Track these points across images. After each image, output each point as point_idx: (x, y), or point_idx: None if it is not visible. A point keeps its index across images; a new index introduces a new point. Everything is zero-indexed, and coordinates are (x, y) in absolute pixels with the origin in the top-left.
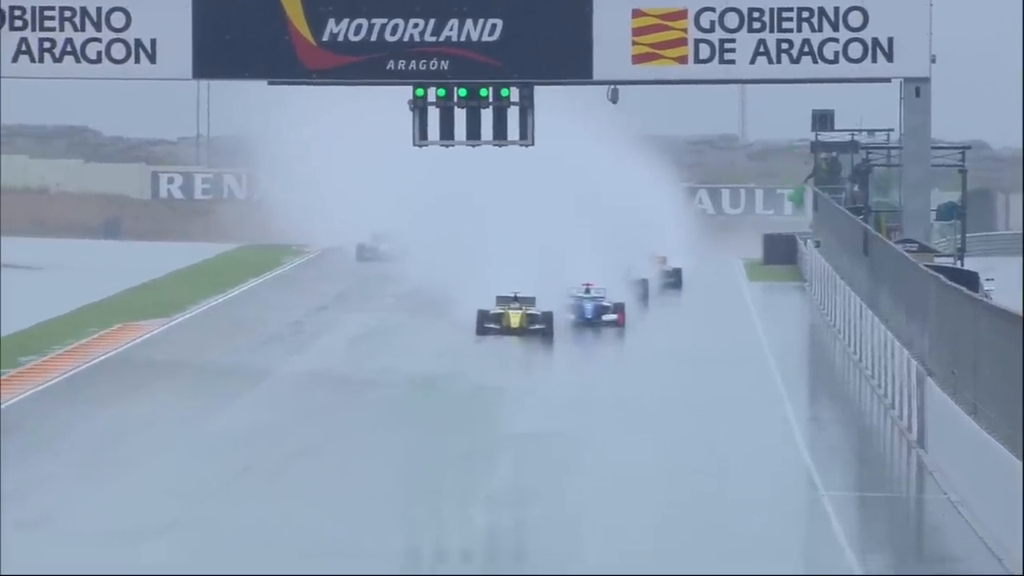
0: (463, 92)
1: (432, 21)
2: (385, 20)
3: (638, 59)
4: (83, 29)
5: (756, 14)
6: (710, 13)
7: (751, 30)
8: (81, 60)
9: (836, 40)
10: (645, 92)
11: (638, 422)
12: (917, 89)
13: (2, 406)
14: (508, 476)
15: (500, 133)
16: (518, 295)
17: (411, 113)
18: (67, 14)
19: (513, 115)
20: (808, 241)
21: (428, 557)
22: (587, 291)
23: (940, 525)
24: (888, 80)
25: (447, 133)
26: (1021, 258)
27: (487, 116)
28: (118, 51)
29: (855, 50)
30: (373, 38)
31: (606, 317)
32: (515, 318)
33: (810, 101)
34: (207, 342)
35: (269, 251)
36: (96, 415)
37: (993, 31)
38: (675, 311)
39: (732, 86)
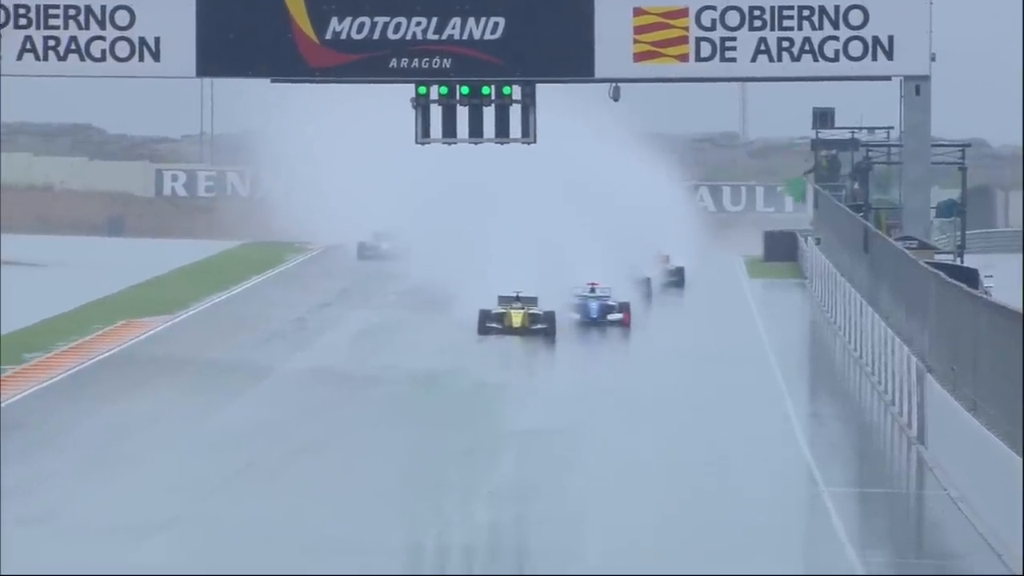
0: (465, 90)
1: (434, 19)
2: (388, 18)
3: (639, 57)
4: (87, 27)
5: (757, 12)
6: (711, 11)
7: (752, 28)
8: (85, 58)
9: (836, 38)
10: (646, 90)
11: (639, 419)
12: (917, 87)
13: (5, 403)
14: (510, 472)
15: (502, 131)
16: (520, 295)
17: (413, 111)
18: (71, 12)
19: (515, 113)
20: (808, 238)
21: (430, 553)
22: (592, 290)
23: (940, 521)
24: (888, 78)
25: (449, 131)
26: (1021, 255)
27: (489, 114)
28: (122, 49)
29: (855, 48)
30: (376, 36)
31: (611, 317)
32: (517, 318)
33: (810, 99)
34: (210, 339)
35: (272, 248)
36: (99, 412)
37: (993, 29)
38: (677, 310)
39: (733, 84)
